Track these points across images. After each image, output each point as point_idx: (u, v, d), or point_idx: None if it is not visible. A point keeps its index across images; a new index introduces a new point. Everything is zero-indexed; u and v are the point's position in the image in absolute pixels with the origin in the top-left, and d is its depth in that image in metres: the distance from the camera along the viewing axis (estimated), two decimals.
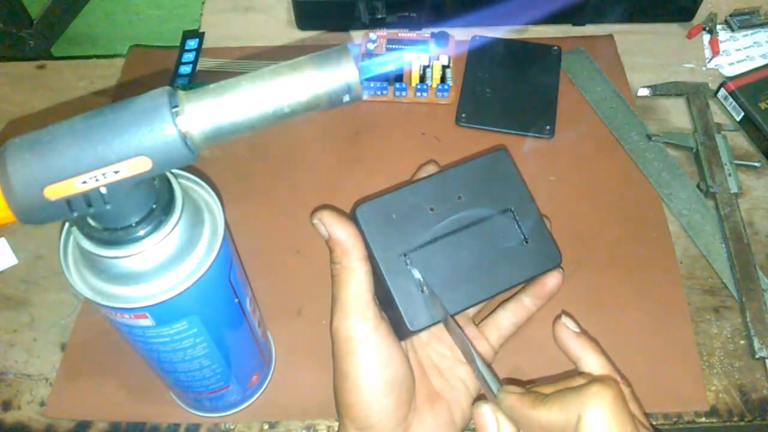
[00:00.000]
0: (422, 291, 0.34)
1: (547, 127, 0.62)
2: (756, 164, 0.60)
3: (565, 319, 0.36)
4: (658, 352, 0.49)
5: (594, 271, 0.53)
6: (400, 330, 0.35)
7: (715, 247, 0.55)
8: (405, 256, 0.34)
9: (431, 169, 0.40)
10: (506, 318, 0.41)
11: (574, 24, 0.71)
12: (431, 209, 0.35)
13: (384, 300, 0.36)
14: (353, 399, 0.35)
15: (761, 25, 0.70)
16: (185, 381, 0.40)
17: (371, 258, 0.35)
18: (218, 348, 0.38)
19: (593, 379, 0.29)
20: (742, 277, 0.52)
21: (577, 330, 0.35)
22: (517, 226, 0.36)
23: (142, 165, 0.26)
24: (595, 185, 0.59)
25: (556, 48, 0.67)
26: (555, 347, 0.44)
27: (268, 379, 0.48)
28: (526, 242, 0.36)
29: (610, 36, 0.70)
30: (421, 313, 0.34)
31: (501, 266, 0.35)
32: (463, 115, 0.63)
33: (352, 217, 0.35)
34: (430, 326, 0.34)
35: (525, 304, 0.41)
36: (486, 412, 0.30)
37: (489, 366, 0.32)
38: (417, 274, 0.34)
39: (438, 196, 0.35)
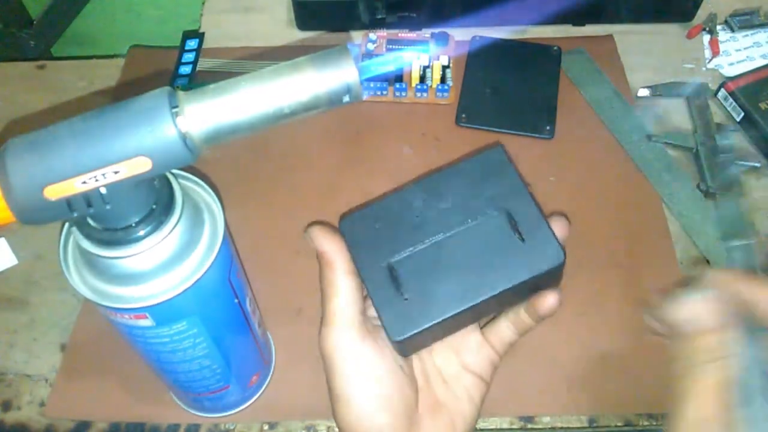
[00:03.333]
0: (406, 299, 0.33)
1: (547, 127, 0.62)
2: (756, 164, 0.60)
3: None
4: (658, 352, 0.49)
5: (594, 271, 0.53)
6: (400, 346, 0.35)
7: (715, 248, 0.54)
8: (388, 265, 0.34)
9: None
10: (507, 327, 0.40)
11: (574, 24, 0.71)
12: (417, 216, 0.34)
13: None
14: (348, 418, 0.34)
15: (761, 26, 0.70)
16: (185, 381, 0.40)
17: (357, 270, 0.34)
18: (218, 348, 0.38)
19: None
20: None
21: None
22: (509, 226, 0.34)
23: (142, 165, 0.26)
24: (595, 185, 0.59)
25: (556, 48, 0.67)
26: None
27: (268, 379, 0.48)
28: (523, 241, 0.34)
29: (610, 36, 0.70)
30: (405, 323, 0.33)
31: (496, 268, 0.34)
32: (463, 116, 0.63)
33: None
34: (415, 335, 0.33)
35: (522, 318, 0.39)
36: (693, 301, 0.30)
37: None
38: (399, 283, 0.33)
39: (424, 202, 0.35)
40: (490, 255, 0.34)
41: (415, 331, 0.33)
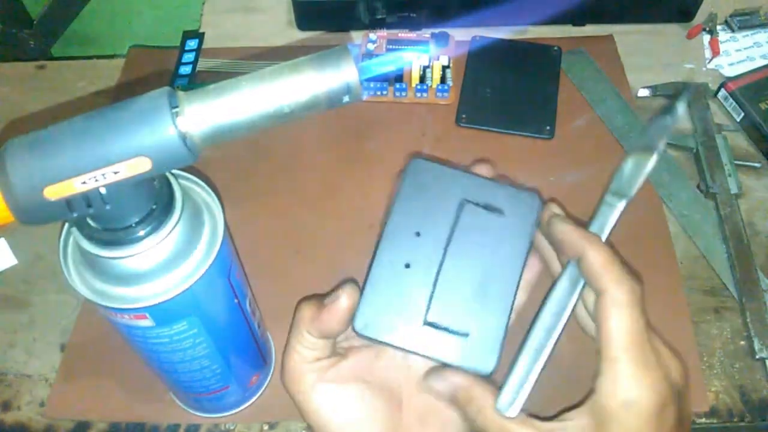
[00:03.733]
0: (467, 336, 0.32)
1: (547, 127, 0.62)
2: (756, 164, 0.60)
3: (554, 207, 0.34)
4: None
5: None
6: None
7: (715, 248, 0.54)
8: (428, 323, 0.32)
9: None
10: None
11: (574, 24, 0.71)
12: (407, 266, 0.33)
13: None
14: None
15: (761, 26, 0.70)
16: (185, 381, 0.40)
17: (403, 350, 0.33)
18: (218, 349, 0.38)
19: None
20: (742, 278, 0.52)
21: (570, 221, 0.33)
22: (483, 211, 0.34)
23: (141, 165, 0.26)
24: (595, 185, 0.58)
25: (556, 48, 0.67)
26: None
27: (268, 379, 0.48)
28: (502, 212, 0.34)
29: (610, 36, 0.70)
30: (486, 355, 0.32)
31: (505, 250, 0.33)
32: (463, 116, 0.63)
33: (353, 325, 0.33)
34: (500, 357, 0.32)
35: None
36: None
37: None
38: (448, 329, 0.32)
39: (402, 249, 0.33)
40: (491, 245, 0.33)
41: (499, 355, 0.32)
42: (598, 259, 0.31)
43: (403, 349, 0.32)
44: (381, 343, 0.32)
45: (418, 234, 0.33)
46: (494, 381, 0.32)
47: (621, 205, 0.34)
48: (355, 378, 0.34)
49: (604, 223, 0.34)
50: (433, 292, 0.33)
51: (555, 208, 0.34)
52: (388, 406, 0.35)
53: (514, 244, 0.33)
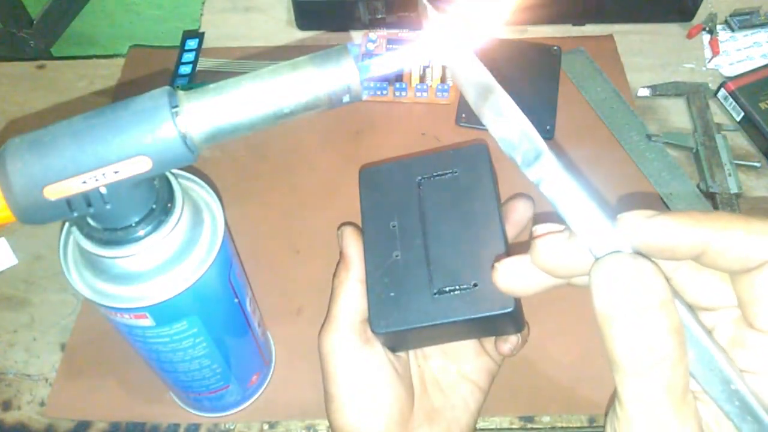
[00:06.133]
0: (477, 286, 0.32)
1: (547, 127, 0.62)
2: (756, 164, 0.60)
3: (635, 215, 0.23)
4: None
5: None
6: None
7: None
8: (434, 293, 0.33)
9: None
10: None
11: (574, 24, 0.71)
12: (396, 256, 0.34)
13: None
14: (341, 421, 0.35)
15: (761, 25, 0.70)
16: (185, 381, 0.40)
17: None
18: (218, 348, 0.38)
19: None
20: None
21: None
22: (438, 177, 0.35)
23: (141, 165, 0.26)
24: (595, 185, 0.59)
25: (556, 48, 0.67)
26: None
27: (268, 379, 0.48)
28: (457, 171, 0.35)
29: (610, 36, 0.70)
30: (501, 292, 0.31)
31: (472, 201, 0.34)
32: (463, 115, 0.63)
33: (370, 325, 0.34)
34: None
35: None
36: None
37: None
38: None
39: (387, 247, 0.34)
40: (460, 201, 0.34)
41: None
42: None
43: (424, 327, 0.32)
44: (404, 332, 0.33)
45: (393, 226, 0.35)
46: None
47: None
48: (388, 362, 0.36)
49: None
50: (428, 265, 0.33)
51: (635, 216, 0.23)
52: (406, 399, 0.36)
53: (479, 187, 0.34)
